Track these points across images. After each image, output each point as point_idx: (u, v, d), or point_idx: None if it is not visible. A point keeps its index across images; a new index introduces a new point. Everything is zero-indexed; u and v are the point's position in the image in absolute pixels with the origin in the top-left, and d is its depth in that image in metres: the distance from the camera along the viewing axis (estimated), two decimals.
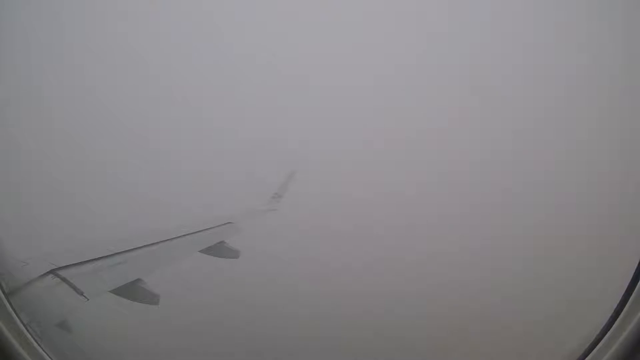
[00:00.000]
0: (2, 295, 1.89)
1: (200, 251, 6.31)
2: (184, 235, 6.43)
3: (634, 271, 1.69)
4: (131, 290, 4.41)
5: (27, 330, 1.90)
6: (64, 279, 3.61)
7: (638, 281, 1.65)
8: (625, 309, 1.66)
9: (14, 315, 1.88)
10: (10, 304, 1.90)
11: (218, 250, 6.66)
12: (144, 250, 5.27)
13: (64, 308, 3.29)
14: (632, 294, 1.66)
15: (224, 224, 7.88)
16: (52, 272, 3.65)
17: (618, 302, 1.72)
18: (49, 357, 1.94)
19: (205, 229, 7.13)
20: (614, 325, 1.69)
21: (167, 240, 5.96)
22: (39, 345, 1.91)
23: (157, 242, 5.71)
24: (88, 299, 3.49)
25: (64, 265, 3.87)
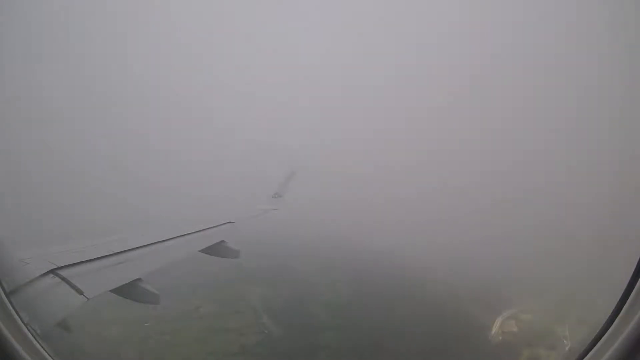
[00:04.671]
0: (3, 295, 1.89)
1: (201, 251, 6.27)
2: (184, 235, 6.40)
3: (633, 271, 1.69)
4: (131, 290, 4.39)
5: (28, 330, 1.89)
6: (64, 279, 3.60)
7: (637, 281, 1.65)
8: (624, 309, 1.66)
9: (14, 314, 1.88)
10: (10, 303, 1.90)
11: (218, 249, 6.61)
12: (144, 250, 5.25)
13: (64, 307, 3.28)
14: (631, 294, 1.66)
15: (225, 223, 7.84)
16: (52, 271, 3.65)
17: (617, 302, 1.72)
18: (49, 356, 1.93)
19: (205, 229, 7.10)
20: (613, 325, 1.69)
21: (167, 239, 5.94)
22: (39, 344, 1.91)
23: (157, 242, 5.69)
24: (88, 299, 3.47)
25: (64, 264, 3.86)
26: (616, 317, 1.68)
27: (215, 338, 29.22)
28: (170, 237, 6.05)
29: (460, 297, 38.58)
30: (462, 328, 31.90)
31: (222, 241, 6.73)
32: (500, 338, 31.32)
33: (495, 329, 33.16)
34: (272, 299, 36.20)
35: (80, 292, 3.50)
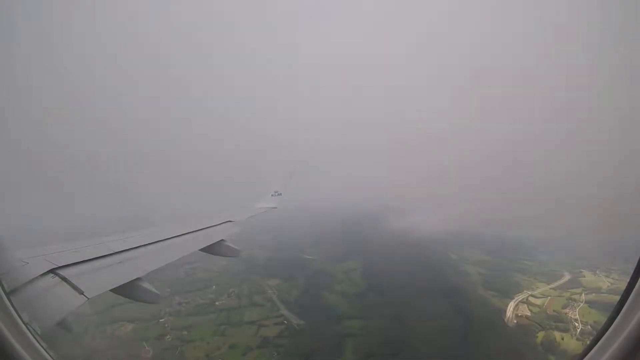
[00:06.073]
0: (3, 295, 1.88)
1: (200, 250, 6.23)
2: (183, 234, 6.38)
3: (632, 271, 1.69)
4: (131, 289, 4.36)
5: (28, 330, 1.89)
6: (64, 278, 3.59)
7: (637, 281, 1.65)
8: (624, 309, 1.66)
9: (14, 314, 1.87)
10: (11, 303, 1.89)
11: (218, 248, 6.58)
12: (144, 250, 5.24)
13: (64, 307, 3.27)
14: (631, 294, 1.66)
15: (224, 222, 7.82)
16: (52, 271, 3.64)
17: (617, 302, 1.72)
18: (50, 356, 1.93)
19: (205, 228, 7.08)
20: (613, 325, 1.69)
21: (167, 239, 5.93)
22: (39, 344, 1.90)
23: (157, 241, 5.68)
24: (88, 298, 3.46)
25: (64, 264, 3.86)
26: (616, 317, 1.68)
27: (235, 331, 29.18)
28: (170, 237, 6.04)
29: (473, 281, 38.96)
30: (479, 312, 32.33)
31: (222, 240, 6.70)
32: (515, 322, 31.89)
33: (509, 312, 33.81)
34: (287, 290, 36.28)
35: (80, 292, 3.48)
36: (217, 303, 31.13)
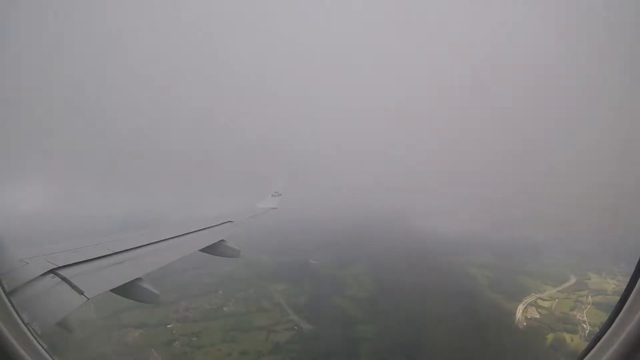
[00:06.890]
0: (3, 295, 1.88)
1: (200, 250, 6.23)
2: (183, 234, 6.38)
3: (633, 271, 1.69)
4: (131, 290, 4.37)
5: (28, 330, 1.89)
6: (64, 279, 3.59)
7: (637, 281, 1.65)
8: (624, 309, 1.66)
9: (14, 314, 1.87)
10: (10, 303, 1.89)
11: (218, 249, 6.57)
12: (144, 250, 5.23)
13: (64, 307, 3.27)
14: (631, 293, 1.66)
15: (224, 222, 7.82)
16: (52, 271, 3.64)
17: (617, 301, 1.72)
18: (50, 356, 1.93)
19: (205, 228, 7.08)
20: (613, 325, 1.69)
21: (167, 239, 5.92)
22: (39, 344, 1.90)
23: (157, 241, 5.68)
24: (88, 298, 3.46)
25: (64, 264, 3.86)
26: (616, 317, 1.68)
27: (244, 337, 28.54)
28: (170, 237, 6.04)
29: (480, 284, 38.78)
30: (489, 314, 32.23)
31: (222, 240, 6.70)
32: (525, 324, 32.03)
33: (518, 315, 33.99)
34: (296, 295, 35.47)
35: (80, 292, 3.48)
36: (224, 309, 30.59)
